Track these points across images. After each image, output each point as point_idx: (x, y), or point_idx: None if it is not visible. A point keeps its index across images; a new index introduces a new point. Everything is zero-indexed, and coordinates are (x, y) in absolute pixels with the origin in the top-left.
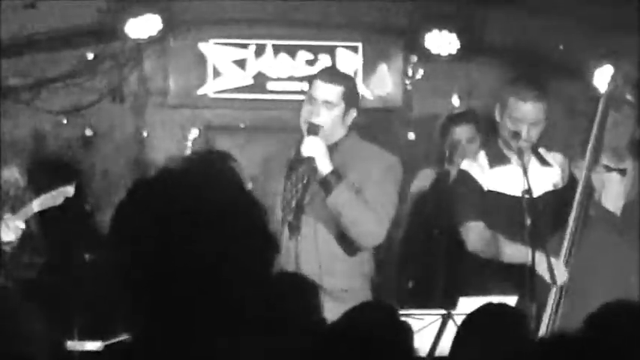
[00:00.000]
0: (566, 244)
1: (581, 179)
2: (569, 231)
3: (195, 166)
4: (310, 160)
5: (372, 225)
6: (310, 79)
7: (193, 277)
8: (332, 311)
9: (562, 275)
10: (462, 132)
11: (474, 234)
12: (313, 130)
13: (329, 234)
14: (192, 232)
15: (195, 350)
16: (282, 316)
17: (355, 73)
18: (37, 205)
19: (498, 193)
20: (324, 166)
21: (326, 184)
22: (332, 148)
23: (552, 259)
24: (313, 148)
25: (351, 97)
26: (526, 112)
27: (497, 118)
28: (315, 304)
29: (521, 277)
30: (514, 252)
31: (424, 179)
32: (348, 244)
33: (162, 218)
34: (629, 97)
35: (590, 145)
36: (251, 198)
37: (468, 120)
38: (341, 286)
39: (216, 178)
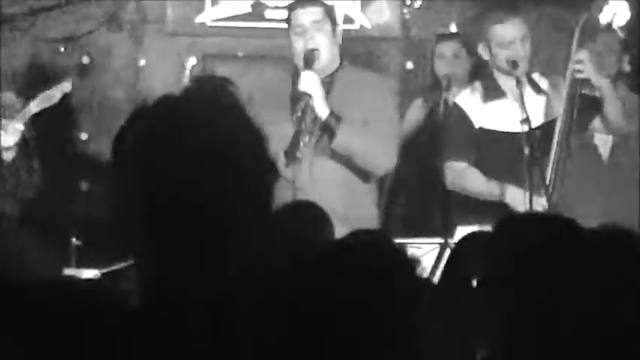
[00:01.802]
0: (549, 176)
1: (560, 108)
2: (551, 162)
3: (195, 92)
4: (307, 96)
5: (381, 155)
6: (287, 14)
7: (195, 203)
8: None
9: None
10: (448, 47)
11: (452, 173)
12: (311, 57)
13: (340, 166)
14: (193, 158)
15: (197, 277)
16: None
17: (354, 1)
18: (34, 105)
19: (493, 131)
20: (322, 109)
21: (327, 129)
22: (328, 81)
23: (535, 197)
24: (309, 84)
25: (332, 15)
26: (508, 32)
27: (486, 56)
28: (325, 232)
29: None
30: (488, 189)
31: (415, 109)
32: (361, 173)
33: (162, 144)
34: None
35: (568, 73)
36: (251, 123)
37: (454, 37)
38: (362, 213)
39: (216, 103)
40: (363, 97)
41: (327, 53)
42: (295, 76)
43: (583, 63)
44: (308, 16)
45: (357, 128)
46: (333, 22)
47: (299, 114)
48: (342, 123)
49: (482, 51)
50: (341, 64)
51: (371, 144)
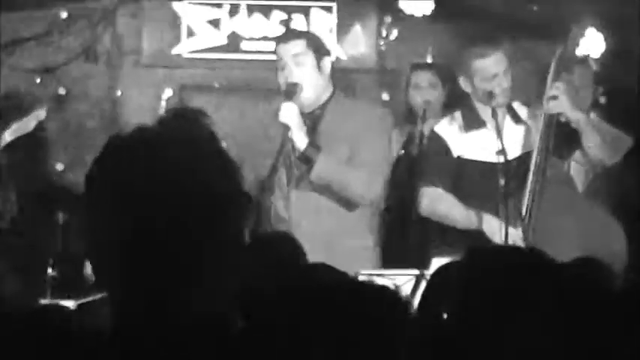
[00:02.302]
0: (524, 207)
1: (537, 138)
2: (527, 192)
3: (169, 123)
4: (285, 128)
5: (364, 185)
6: (275, 51)
7: (168, 235)
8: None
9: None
10: (423, 77)
11: (427, 198)
12: (291, 91)
13: (321, 196)
14: (166, 190)
15: (170, 308)
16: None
17: (330, 32)
18: (9, 133)
19: (471, 161)
20: (300, 140)
21: (305, 159)
22: (319, 113)
23: (511, 229)
24: (287, 115)
25: (317, 45)
26: (489, 66)
27: (467, 89)
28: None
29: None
30: (464, 217)
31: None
32: (343, 202)
33: (135, 176)
34: (586, 58)
35: (544, 105)
36: (225, 155)
37: (429, 67)
38: (351, 242)
39: (190, 134)
40: (352, 126)
41: (309, 86)
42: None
43: (558, 98)
44: (288, 50)
45: (341, 158)
46: (319, 53)
47: (283, 149)
48: (320, 153)
49: (463, 83)
50: (333, 93)
51: (353, 173)
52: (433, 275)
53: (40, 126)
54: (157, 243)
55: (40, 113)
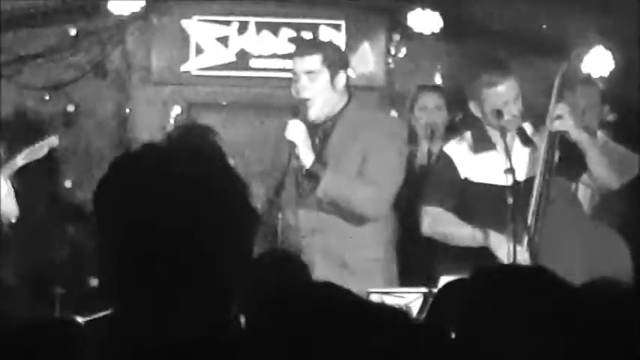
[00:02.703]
0: (529, 223)
1: (540, 158)
2: (531, 211)
3: (177, 140)
4: (292, 145)
5: (368, 202)
6: (291, 57)
7: (176, 253)
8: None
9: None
10: (429, 99)
11: (430, 218)
12: (300, 107)
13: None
14: (174, 207)
15: (177, 325)
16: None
17: None
18: (21, 158)
19: (478, 184)
20: (306, 157)
21: (312, 176)
22: (330, 125)
23: (518, 247)
24: (294, 132)
25: (334, 61)
26: (502, 95)
27: (478, 114)
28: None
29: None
30: (468, 235)
31: None
32: (350, 217)
33: (143, 193)
34: (590, 76)
35: (547, 122)
36: (232, 172)
37: (435, 90)
38: (365, 256)
39: (197, 152)
40: (365, 137)
41: (320, 102)
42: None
43: (563, 117)
44: (303, 65)
45: (351, 171)
46: (335, 67)
47: (289, 165)
48: (327, 170)
49: (473, 109)
50: (347, 104)
51: (360, 190)
52: (439, 292)
53: (53, 153)
54: (165, 258)
55: (53, 140)
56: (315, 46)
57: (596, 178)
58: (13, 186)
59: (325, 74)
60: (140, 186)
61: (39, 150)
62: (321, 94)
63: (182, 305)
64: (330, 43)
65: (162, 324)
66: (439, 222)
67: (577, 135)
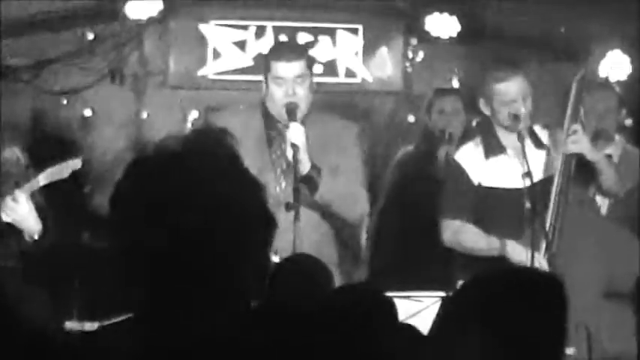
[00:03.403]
0: (548, 229)
1: (559, 164)
2: (549, 218)
3: (193, 143)
4: (296, 148)
5: (357, 203)
6: (266, 60)
7: (193, 256)
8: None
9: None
10: (446, 103)
11: (450, 231)
12: (293, 109)
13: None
14: (190, 210)
15: (194, 330)
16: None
17: (356, 55)
18: (43, 178)
19: (492, 188)
20: (306, 161)
21: (310, 182)
22: (304, 122)
23: (536, 254)
24: (296, 136)
25: (311, 63)
26: (510, 90)
27: (487, 111)
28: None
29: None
30: (487, 246)
31: (406, 156)
32: (336, 221)
33: (160, 196)
34: (606, 81)
35: (564, 128)
36: (249, 174)
37: (453, 93)
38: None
39: (214, 154)
40: (333, 141)
41: (305, 105)
42: (269, 121)
43: (577, 140)
44: (291, 70)
45: (331, 177)
46: (311, 70)
47: (284, 164)
48: (322, 175)
49: (483, 107)
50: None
51: (348, 193)
52: (447, 297)
53: (77, 177)
54: (181, 259)
55: (76, 162)
56: (299, 50)
57: (604, 191)
58: (37, 203)
59: (309, 78)
60: (157, 188)
61: (62, 171)
62: (306, 98)
63: (198, 306)
64: (304, 46)
65: (178, 325)
66: (458, 235)
67: (592, 156)
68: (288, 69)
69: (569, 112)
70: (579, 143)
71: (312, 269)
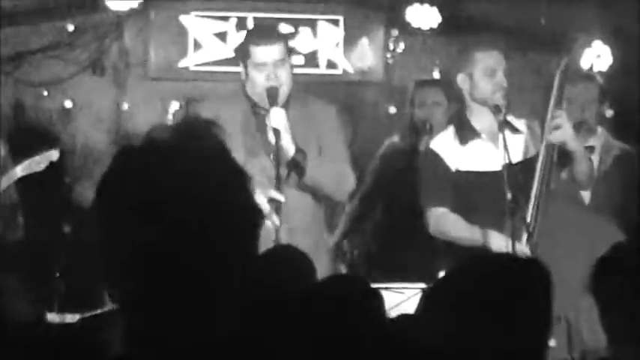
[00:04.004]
0: (528, 219)
1: (540, 153)
2: (531, 206)
3: (180, 133)
4: (277, 133)
5: (343, 181)
6: (244, 46)
7: (180, 247)
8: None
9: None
10: (429, 94)
11: (435, 220)
12: (274, 94)
13: (306, 198)
14: (177, 201)
15: (180, 320)
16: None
17: (337, 46)
18: (20, 170)
19: (472, 172)
20: (289, 146)
21: (296, 166)
22: (286, 105)
23: (517, 244)
24: (278, 120)
25: (289, 47)
26: (491, 60)
27: (466, 86)
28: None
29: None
30: (470, 235)
31: (391, 147)
32: (324, 199)
33: (147, 187)
34: (591, 71)
35: (547, 118)
36: (236, 165)
37: (435, 84)
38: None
39: (201, 145)
40: (314, 126)
41: (286, 88)
42: (251, 107)
43: (562, 127)
44: (272, 54)
45: (316, 158)
46: (290, 54)
47: (273, 151)
48: (307, 159)
49: (462, 82)
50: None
51: (334, 172)
52: (427, 289)
53: (55, 166)
54: (168, 253)
55: (53, 154)
56: (277, 34)
57: (577, 181)
58: (15, 196)
59: (289, 61)
60: (145, 178)
61: (39, 163)
62: (287, 81)
63: (184, 297)
64: (281, 32)
65: (166, 318)
66: (442, 223)
67: (574, 146)
68: (268, 53)
69: (552, 103)
70: (562, 129)
71: (295, 260)
